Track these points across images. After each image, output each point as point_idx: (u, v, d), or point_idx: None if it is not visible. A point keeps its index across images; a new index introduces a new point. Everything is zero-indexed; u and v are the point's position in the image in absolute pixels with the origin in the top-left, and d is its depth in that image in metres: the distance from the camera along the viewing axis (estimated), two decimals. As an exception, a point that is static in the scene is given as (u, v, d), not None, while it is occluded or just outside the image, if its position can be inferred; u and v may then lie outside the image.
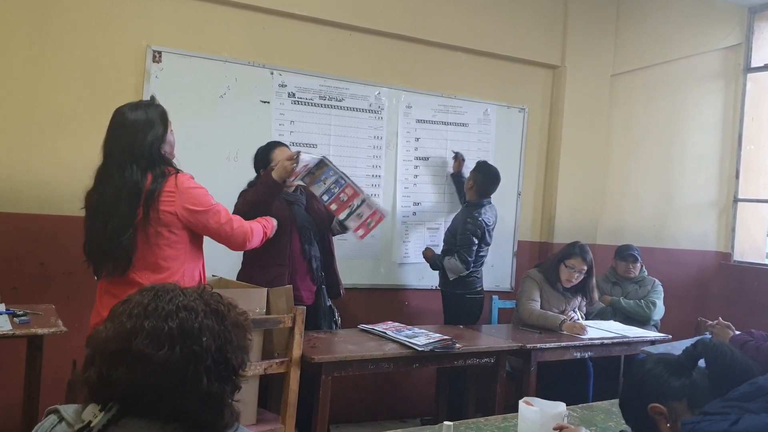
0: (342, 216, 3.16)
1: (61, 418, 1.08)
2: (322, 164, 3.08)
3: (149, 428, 1.02)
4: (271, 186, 2.96)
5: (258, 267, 3.12)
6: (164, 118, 2.44)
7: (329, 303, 3.39)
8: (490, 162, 4.26)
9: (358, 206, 3.17)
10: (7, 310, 2.70)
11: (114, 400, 1.03)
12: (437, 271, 4.08)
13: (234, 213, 3.00)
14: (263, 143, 3.81)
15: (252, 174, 3.75)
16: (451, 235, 4.03)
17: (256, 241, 2.66)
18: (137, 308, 1.06)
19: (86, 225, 2.41)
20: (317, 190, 3.10)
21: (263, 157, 3.27)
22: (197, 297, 1.10)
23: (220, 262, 3.05)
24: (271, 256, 3.13)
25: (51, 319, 2.66)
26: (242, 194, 3.19)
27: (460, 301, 4.02)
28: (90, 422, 1.02)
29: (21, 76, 3.28)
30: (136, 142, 2.34)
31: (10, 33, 3.26)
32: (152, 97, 2.51)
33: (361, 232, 3.22)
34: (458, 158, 4.33)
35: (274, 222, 2.86)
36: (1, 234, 3.26)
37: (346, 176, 3.14)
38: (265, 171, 3.07)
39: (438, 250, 4.12)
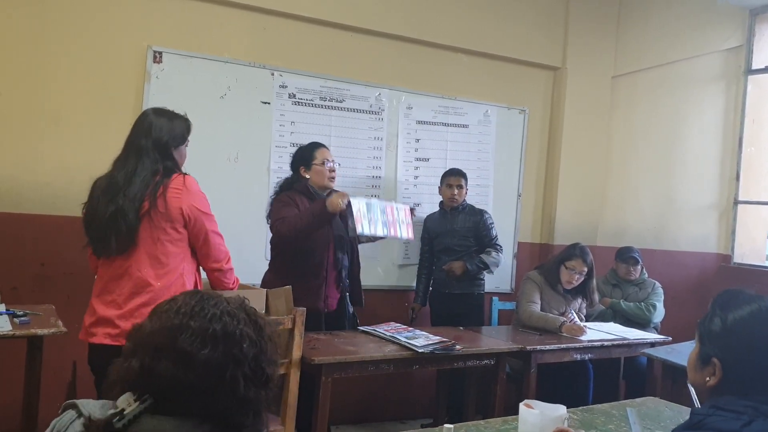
0: (404, 235, 3.31)
1: (80, 414, 1.08)
2: (369, 206, 3.18)
3: (182, 425, 1.03)
4: (324, 217, 3.05)
5: (295, 277, 3.10)
6: (188, 129, 2.51)
7: (352, 310, 3.45)
8: (490, 164, 4.27)
9: (399, 215, 3.30)
10: (7, 310, 2.70)
11: (150, 393, 1.04)
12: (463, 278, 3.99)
13: (272, 226, 3.17)
14: (264, 144, 3.83)
15: (251, 175, 3.77)
16: (471, 238, 4.01)
17: (228, 267, 2.59)
18: (184, 307, 1.09)
19: (88, 206, 2.42)
20: (380, 231, 3.21)
21: (305, 155, 3.31)
22: (239, 306, 1.14)
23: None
24: (310, 268, 3.20)
25: (51, 319, 2.66)
26: (278, 205, 3.21)
27: (479, 299, 4.07)
28: (123, 409, 1.02)
29: (22, 77, 3.28)
30: (159, 137, 2.41)
31: (10, 34, 3.26)
32: (185, 113, 2.55)
33: (411, 232, 3.38)
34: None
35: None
36: (1, 234, 3.26)
37: (376, 201, 3.27)
38: (317, 202, 3.12)
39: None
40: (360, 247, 3.51)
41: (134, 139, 2.43)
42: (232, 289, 2.63)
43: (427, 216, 4.21)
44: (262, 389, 1.10)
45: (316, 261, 3.22)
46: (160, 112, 2.50)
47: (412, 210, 3.42)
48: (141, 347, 1.06)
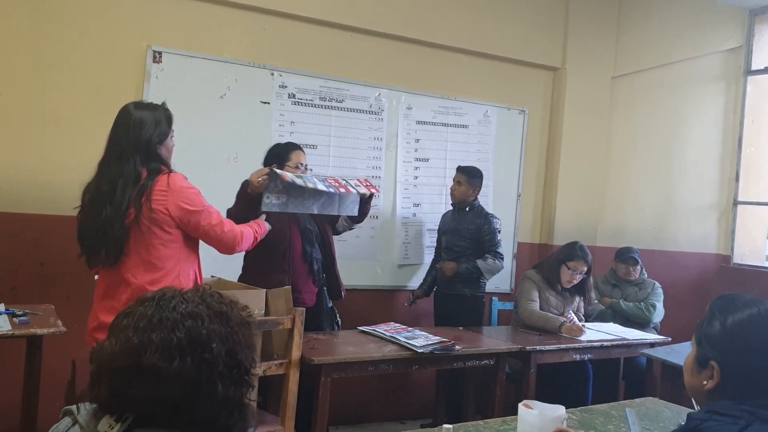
0: (361, 191, 3.18)
1: (75, 421, 1.06)
2: (301, 177, 3.04)
3: None
4: (248, 200, 2.95)
5: (260, 273, 3.13)
6: (169, 120, 2.47)
7: (330, 304, 3.41)
8: (490, 164, 4.26)
9: (349, 183, 3.20)
10: (6, 310, 2.70)
11: (129, 412, 1.01)
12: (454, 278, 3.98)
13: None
14: (263, 144, 3.82)
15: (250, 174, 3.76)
16: (471, 240, 3.97)
17: (245, 245, 2.63)
18: (142, 321, 1.03)
19: (80, 215, 2.41)
20: (320, 187, 3.04)
21: (281, 154, 3.25)
22: (199, 301, 1.08)
23: (219, 263, 3.04)
24: (272, 263, 3.16)
25: (50, 319, 2.66)
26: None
27: (474, 301, 4.02)
28: None
29: (22, 77, 3.29)
30: (138, 137, 2.36)
31: (11, 33, 3.26)
32: (163, 102, 2.52)
33: (373, 190, 3.26)
34: None
35: (266, 226, 2.82)
36: (1, 234, 3.26)
37: (310, 174, 3.17)
38: (243, 186, 3.05)
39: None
40: (359, 245, 3.50)
41: (115, 140, 2.39)
42: (255, 241, 2.67)
43: (444, 213, 4.22)
44: (242, 383, 1.06)
45: (278, 254, 3.17)
46: (141, 106, 2.45)
47: (369, 185, 3.28)
48: (106, 372, 1.02)
